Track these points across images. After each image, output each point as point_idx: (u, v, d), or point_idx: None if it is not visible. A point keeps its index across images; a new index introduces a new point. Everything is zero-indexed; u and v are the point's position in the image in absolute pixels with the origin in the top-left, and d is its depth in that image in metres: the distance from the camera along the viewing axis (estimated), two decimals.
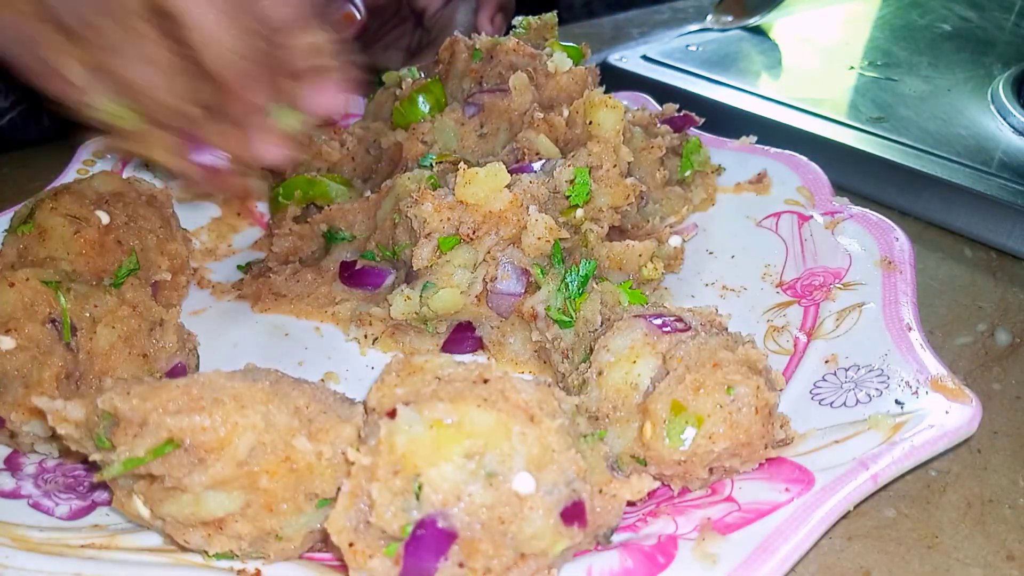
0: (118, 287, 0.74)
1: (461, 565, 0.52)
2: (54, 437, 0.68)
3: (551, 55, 0.95)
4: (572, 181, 0.83)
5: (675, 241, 0.93)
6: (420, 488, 0.52)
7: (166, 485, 0.54)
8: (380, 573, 0.53)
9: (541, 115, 0.89)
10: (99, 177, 0.86)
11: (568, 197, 0.83)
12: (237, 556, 0.58)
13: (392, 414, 0.54)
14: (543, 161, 0.87)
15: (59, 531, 0.63)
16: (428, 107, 0.98)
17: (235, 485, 0.55)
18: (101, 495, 0.67)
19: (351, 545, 0.53)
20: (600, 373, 0.65)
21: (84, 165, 1.04)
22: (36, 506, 0.65)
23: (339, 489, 0.56)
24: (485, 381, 0.56)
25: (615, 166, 0.84)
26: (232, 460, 0.54)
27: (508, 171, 0.83)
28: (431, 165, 0.92)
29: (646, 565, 0.56)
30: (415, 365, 0.58)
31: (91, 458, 0.56)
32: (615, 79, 1.04)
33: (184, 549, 0.60)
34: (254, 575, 0.59)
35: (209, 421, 0.54)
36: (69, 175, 1.02)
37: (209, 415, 0.54)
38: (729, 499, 0.61)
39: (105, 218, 0.81)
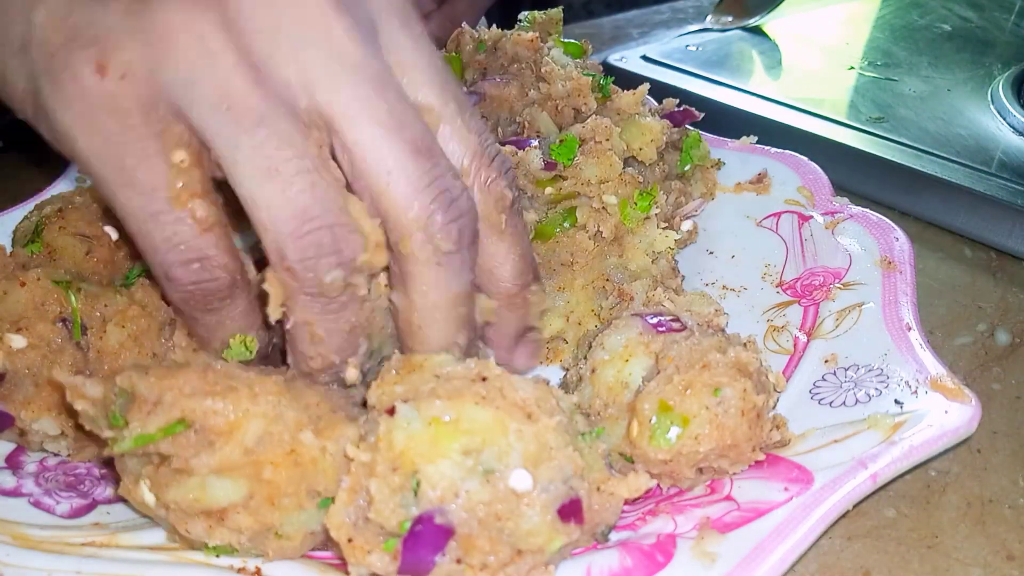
0: (129, 287, 0.75)
1: (458, 561, 0.53)
2: (63, 435, 0.69)
3: (551, 49, 0.95)
4: (563, 140, 0.83)
5: (687, 225, 0.95)
6: (418, 484, 0.52)
7: (173, 466, 0.55)
8: (379, 568, 0.54)
9: (547, 92, 0.90)
10: None
11: (553, 155, 0.83)
12: (236, 551, 0.58)
13: (391, 411, 0.54)
14: (540, 139, 0.87)
15: (59, 529, 0.63)
16: None
17: (240, 473, 0.55)
18: (102, 493, 0.68)
19: (350, 540, 0.54)
20: (593, 371, 0.66)
21: None
22: (37, 504, 0.66)
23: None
24: (483, 379, 0.56)
25: (608, 139, 0.84)
26: (240, 446, 0.55)
27: (504, 144, 0.85)
28: None
29: (645, 564, 0.56)
30: (414, 363, 0.59)
31: (103, 435, 0.57)
32: (615, 79, 1.04)
33: (185, 547, 0.60)
34: (254, 573, 0.59)
35: (221, 405, 0.55)
36: (69, 176, 1.02)
37: (222, 399, 0.55)
38: (728, 498, 0.61)
39: (114, 234, 0.81)
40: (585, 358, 0.70)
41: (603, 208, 0.85)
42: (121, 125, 0.52)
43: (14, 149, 1.28)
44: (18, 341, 0.67)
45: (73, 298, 0.70)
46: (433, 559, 0.52)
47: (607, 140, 0.84)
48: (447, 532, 0.52)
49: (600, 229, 0.85)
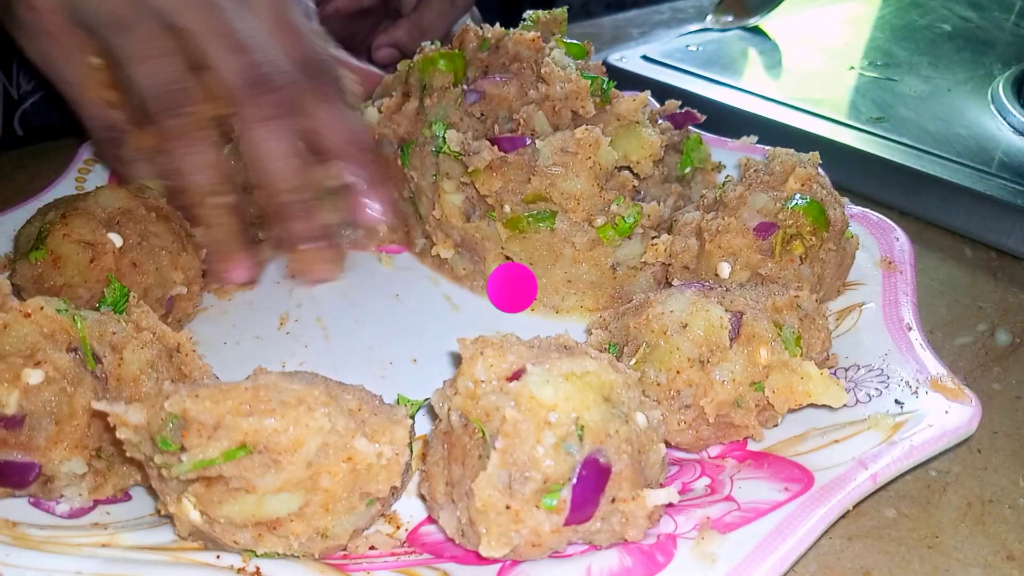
0: (120, 313, 0.71)
1: (613, 500, 0.55)
2: (84, 474, 0.64)
3: (552, 50, 0.95)
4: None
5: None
6: (583, 429, 0.54)
7: (232, 486, 0.55)
8: (544, 526, 0.54)
9: (545, 92, 0.90)
10: (104, 193, 0.84)
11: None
12: (282, 556, 0.58)
13: (516, 376, 0.57)
14: (534, 138, 0.87)
15: (59, 529, 0.63)
16: (447, 71, 0.96)
17: (299, 485, 0.55)
18: None
19: (508, 507, 0.54)
20: (685, 325, 0.66)
21: (85, 164, 1.04)
22: (36, 504, 0.65)
23: (393, 488, 0.58)
24: (566, 347, 0.61)
25: (591, 157, 0.84)
26: (303, 461, 0.54)
27: (499, 140, 0.86)
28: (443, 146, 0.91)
29: (645, 564, 0.56)
30: (493, 341, 0.60)
31: (154, 461, 0.56)
32: (615, 79, 1.04)
33: (185, 548, 0.60)
34: (254, 573, 0.59)
35: (283, 424, 0.54)
36: (69, 176, 1.02)
37: (281, 417, 0.54)
38: (728, 498, 0.61)
39: (118, 240, 0.79)
40: (620, 354, 0.70)
41: (579, 222, 0.86)
42: (51, 43, 0.85)
43: (15, 146, 1.28)
44: (35, 376, 0.61)
45: (80, 325, 0.65)
46: (599, 500, 0.54)
47: (590, 158, 0.84)
48: (607, 471, 0.54)
49: (573, 242, 0.86)
